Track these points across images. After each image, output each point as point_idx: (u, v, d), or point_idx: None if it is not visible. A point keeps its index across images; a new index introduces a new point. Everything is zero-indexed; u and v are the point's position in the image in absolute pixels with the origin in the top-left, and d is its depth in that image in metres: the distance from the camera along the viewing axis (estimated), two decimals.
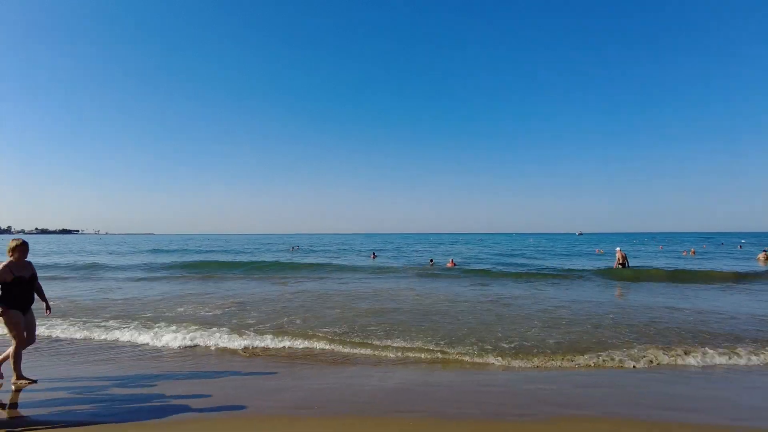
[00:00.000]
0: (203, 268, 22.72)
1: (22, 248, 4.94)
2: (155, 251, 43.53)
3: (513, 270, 20.89)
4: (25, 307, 4.91)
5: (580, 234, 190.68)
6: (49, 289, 12.82)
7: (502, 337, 7.42)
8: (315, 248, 50.88)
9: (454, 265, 23.32)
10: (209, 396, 4.63)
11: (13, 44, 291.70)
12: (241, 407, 4.28)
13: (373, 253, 36.16)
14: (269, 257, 32.13)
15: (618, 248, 26.08)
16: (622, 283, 16.53)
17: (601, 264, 24.76)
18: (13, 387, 4.85)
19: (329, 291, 13.82)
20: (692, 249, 40.54)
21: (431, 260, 25.45)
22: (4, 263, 4.69)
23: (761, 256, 29.36)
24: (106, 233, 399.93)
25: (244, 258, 30.92)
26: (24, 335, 4.85)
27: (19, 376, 4.96)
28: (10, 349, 4.90)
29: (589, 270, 20.62)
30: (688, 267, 22.46)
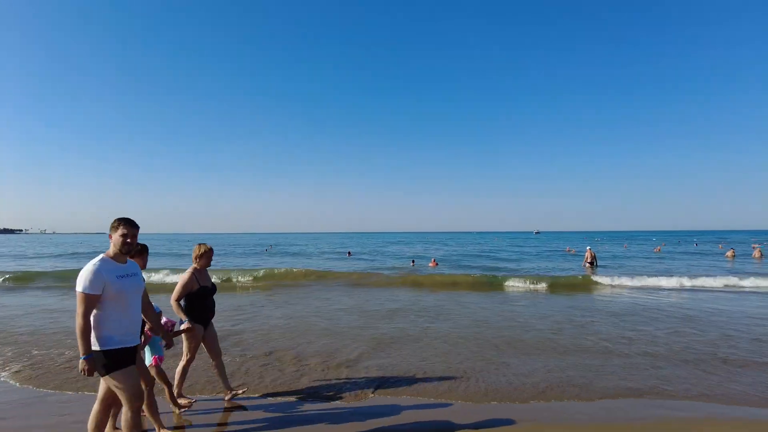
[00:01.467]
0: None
1: (209, 254, 4.36)
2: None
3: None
4: (208, 319, 4.34)
5: (537, 233, 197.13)
6: None
7: None
8: (289, 248, 50.10)
9: (437, 264, 23.66)
10: None
11: None
12: None
13: (348, 252, 36.24)
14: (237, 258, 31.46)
15: (588, 247, 27.32)
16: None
17: (574, 264, 25.87)
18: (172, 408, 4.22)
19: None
20: (659, 246, 43.14)
21: (413, 261, 25.63)
22: (189, 271, 4.15)
23: (729, 253, 31.71)
24: (54, 233, 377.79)
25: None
26: (195, 353, 4.30)
27: (180, 394, 4.36)
28: (181, 365, 4.33)
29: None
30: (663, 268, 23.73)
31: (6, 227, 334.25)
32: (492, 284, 15.58)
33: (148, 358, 3.77)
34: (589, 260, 23.76)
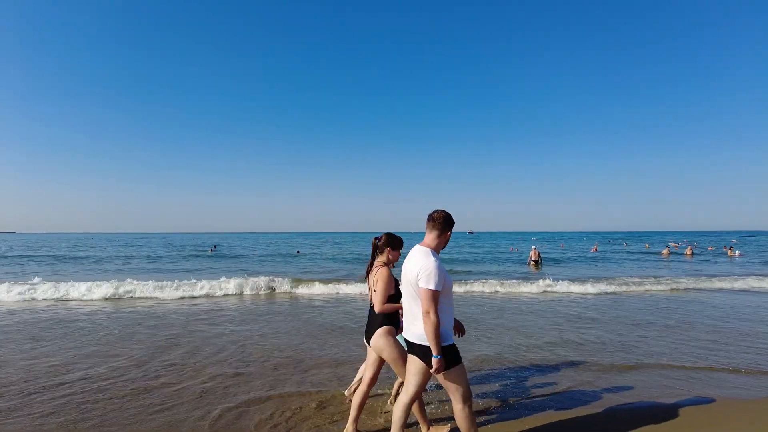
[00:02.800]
0: None
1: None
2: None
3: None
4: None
5: (471, 232, 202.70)
6: None
7: None
8: (235, 248, 47.98)
9: None
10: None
11: None
12: None
13: (298, 250, 35.56)
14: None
15: (533, 247, 29.02)
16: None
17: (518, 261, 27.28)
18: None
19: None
20: (596, 245, 46.43)
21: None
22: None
23: (665, 251, 34.85)
24: (13, 232, 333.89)
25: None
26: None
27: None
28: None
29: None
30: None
31: None
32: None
33: None
34: (534, 259, 25.23)
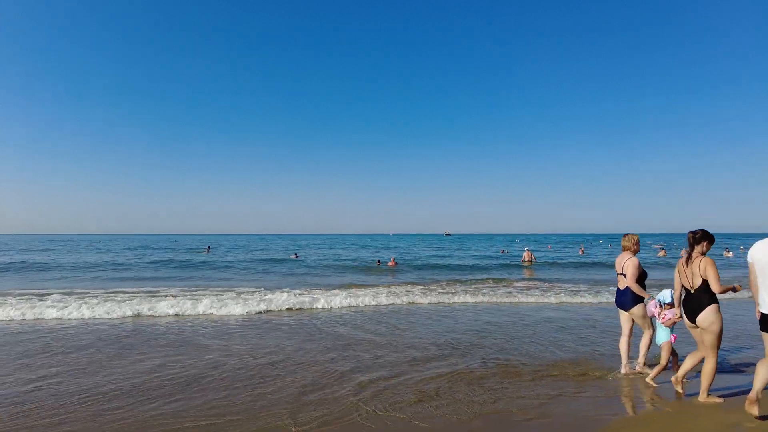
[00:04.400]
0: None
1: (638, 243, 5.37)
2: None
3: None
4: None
5: (448, 234, 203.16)
6: None
7: None
8: (235, 248, 48.05)
9: (396, 264, 25.33)
10: None
11: None
12: None
13: (295, 254, 36.43)
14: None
15: (527, 248, 30.50)
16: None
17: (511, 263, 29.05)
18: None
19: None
20: (582, 247, 48.14)
21: (378, 260, 26.96)
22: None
23: (661, 252, 36.81)
24: None
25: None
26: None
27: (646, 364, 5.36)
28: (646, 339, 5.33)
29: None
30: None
31: None
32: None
33: (666, 336, 4.93)
34: (527, 259, 26.64)
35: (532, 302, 11.88)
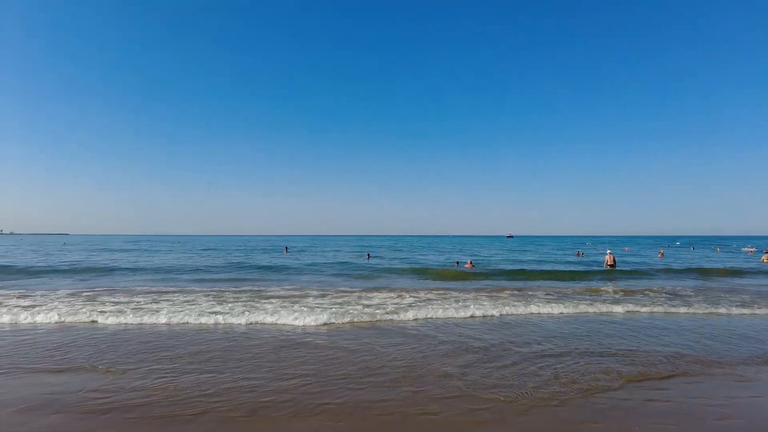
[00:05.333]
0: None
1: None
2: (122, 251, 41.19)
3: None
4: None
5: (510, 236, 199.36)
6: None
7: None
8: (305, 250, 50.57)
9: (473, 266, 25.61)
10: None
11: None
12: None
13: (368, 254, 37.66)
14: (264, 258, 32.32)
15: (608, 251, 29.77)
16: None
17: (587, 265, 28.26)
18: None
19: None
20: (662, 250, 45.99)
21: (457, 262, 27.48)
22: None
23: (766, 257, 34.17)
24: (11, 233, 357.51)
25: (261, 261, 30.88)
26: None
27: None
28: None
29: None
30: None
31: None
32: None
33: None
34: (609, 263, 26.09)
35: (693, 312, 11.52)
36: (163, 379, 5.93)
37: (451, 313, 10.77)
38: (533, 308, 11.67)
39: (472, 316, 10.63)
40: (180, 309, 10.90)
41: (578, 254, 42.17)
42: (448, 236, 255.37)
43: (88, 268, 24.05)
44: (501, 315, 10.88)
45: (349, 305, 11.90)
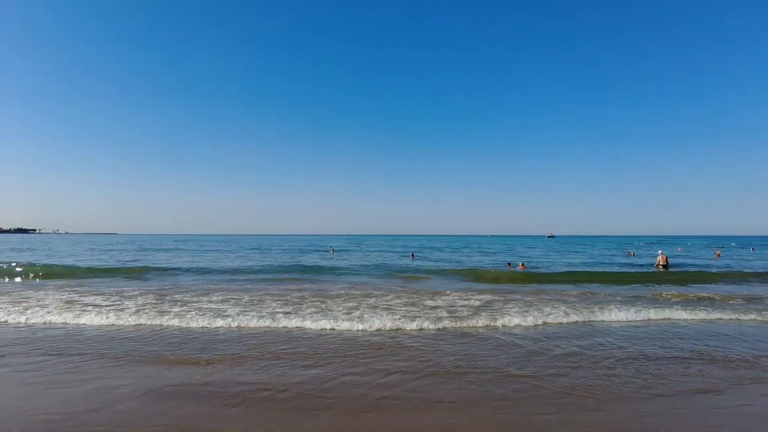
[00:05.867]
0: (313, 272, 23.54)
1: None
2: (176, 251, 42.97)
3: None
4: None
5: (551, 236, 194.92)
6: None
7: None
8: (345, 249, 51.36)
9: (525, 268, 25.21)
10: None
11: None
12: None
13: (412, 254, 37.76)
14: (311, 259, 32.95)
15: (660, 251, 28.77)
16: None
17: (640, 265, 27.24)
18: None
19: None
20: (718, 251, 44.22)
21: (509, 263, 27.19)
22: None
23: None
24: (66, 233, 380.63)
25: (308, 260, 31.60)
26: None
27: None
28: None
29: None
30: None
31: (20, 227, 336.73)
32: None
33: None
34: (662, 263, 25.22)
35: None
36: (282, 375, 6.33)
37: (532, 319, 10.45)
38: (621, 314, 11.14)
39: (560, 323, 10.32)
40: (272, 311, 11.42)
41: (629, 254, 41.34)
42: (487, 236, 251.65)
43: (162, 268, 24.99)
44: (587, 321, 10.57)
45: (425, 308, 11.99)
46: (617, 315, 11.11)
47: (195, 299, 13.18)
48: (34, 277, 20.11)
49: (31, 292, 14.77)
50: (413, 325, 9.71)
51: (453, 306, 12.26)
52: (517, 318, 10.47)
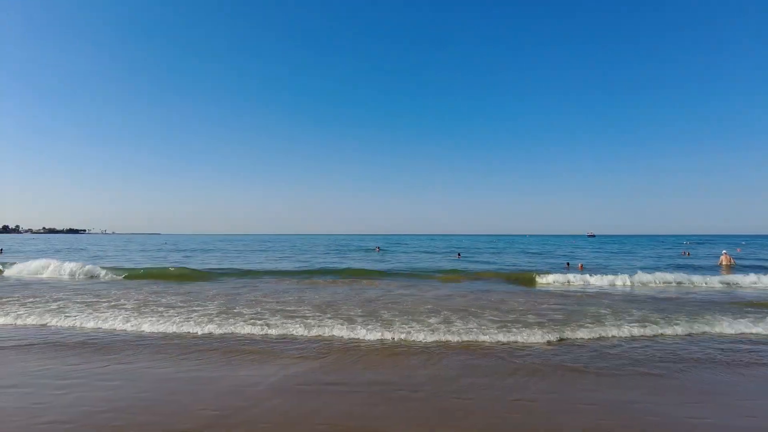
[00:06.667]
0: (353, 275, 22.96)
1: None
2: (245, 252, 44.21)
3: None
4: None
5: (591, 235, 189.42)
6: None
7: None
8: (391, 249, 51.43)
9: (583, 268, 24.59)
10: None
11: (16, 41, 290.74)
12: None
13: (458, 253, 37.50)
14: (357, 260, 33.12)
15: (724, 251, 27.54)
16: None
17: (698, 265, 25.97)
18: None
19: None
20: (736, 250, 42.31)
21: (567, 263, 26.67)
22: None
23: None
24: (113, 233, 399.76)
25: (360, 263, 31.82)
26: None
27: None
28: None
29: None
30: None
31: (72, 227, 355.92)
32: None
33: None
34: (725, 264, 24.20)
35: None
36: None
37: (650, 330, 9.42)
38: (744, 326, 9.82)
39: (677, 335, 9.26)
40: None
41: (685, 254, 39.97)
42: (525, 236, 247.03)
43: (243, 270, 23.94)
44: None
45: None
46: None
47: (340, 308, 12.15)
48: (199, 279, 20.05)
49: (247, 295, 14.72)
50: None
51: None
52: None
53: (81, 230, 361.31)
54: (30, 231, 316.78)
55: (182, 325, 9.59)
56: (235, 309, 11.66)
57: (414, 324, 9.77)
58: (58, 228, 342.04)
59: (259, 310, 11.58)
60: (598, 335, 8.97)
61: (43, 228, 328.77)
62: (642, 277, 19.42)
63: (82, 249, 52.64)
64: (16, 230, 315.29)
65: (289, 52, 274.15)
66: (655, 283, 19.00)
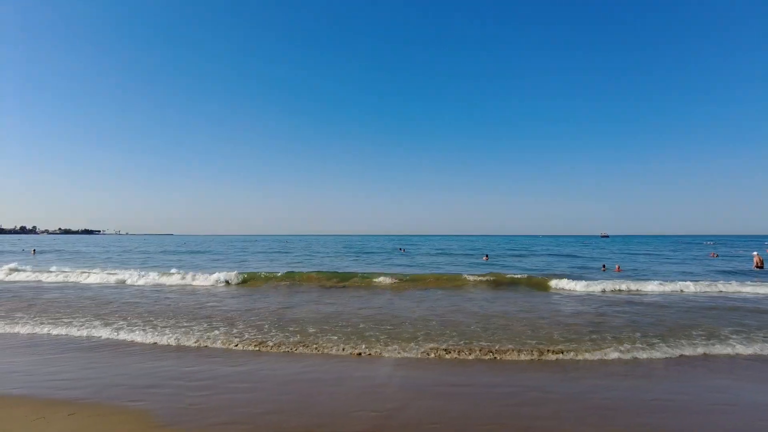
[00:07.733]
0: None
1: None
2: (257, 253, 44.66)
3: None
4: None
5: (605, 236, 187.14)
6: None
7: None
8: (415, 249, 51.46)
9: (620, 270, 24.62)
10: None
11: (20, 44, 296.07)
12: None
13: (486, 255, 37.60)
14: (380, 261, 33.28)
15: (755, 252, 27.40)
16: None
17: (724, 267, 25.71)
18: None
19: None
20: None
21: (603, 265, 26.77)
22: None
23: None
24: (127, 233, 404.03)
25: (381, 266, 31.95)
26: None
27: None
28: None
29: None
30: None
31: (87, 228, 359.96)
32: None
33: None
34: (758, 264, 24.10)
35: None
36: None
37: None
38: None
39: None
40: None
41: (713, 255, 39.71)
42: (538, 236, 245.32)
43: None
44: None
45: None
46: None
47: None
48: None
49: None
50: None
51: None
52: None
53: (96, 231, 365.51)
54: (47, 231, 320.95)
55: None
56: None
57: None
58: (74, 228, 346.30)
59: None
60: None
61: (59, 229, 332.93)
62: (722, 286, 17.74)
63: (125, 251, 51.40)
64: (33, 231, 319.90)
65: (289, 52, 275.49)
66: (725, 289, 17.38)
